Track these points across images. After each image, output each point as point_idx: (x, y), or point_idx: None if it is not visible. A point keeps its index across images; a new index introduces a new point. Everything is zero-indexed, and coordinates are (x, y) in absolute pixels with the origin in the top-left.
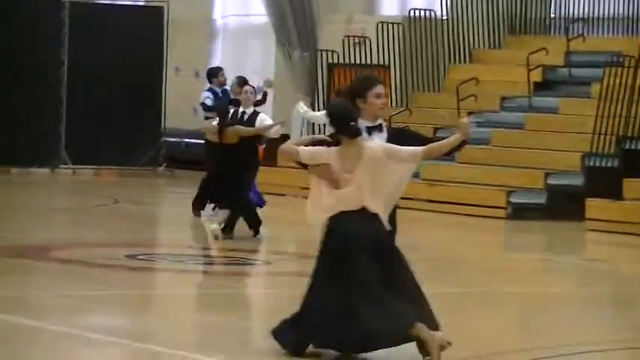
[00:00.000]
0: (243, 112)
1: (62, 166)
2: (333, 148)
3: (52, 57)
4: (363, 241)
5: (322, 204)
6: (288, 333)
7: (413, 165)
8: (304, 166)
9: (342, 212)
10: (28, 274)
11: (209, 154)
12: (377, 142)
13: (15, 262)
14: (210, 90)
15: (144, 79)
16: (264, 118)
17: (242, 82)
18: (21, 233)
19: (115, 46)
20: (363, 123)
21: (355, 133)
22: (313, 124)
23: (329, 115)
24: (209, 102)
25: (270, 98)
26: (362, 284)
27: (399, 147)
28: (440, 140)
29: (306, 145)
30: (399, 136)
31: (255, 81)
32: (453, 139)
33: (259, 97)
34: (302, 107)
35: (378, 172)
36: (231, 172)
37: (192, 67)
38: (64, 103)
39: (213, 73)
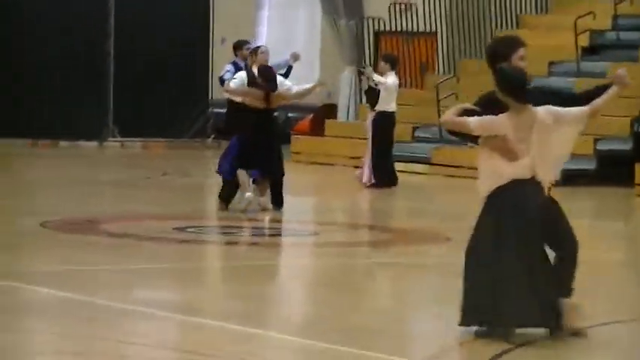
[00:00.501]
0: None
1: (110, 139)
2: (502, 117)
3: (99, 29)
4: (531, 213)
5: (497, 174)
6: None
7: (580, 127)
8: (473, 139)
9: (512, 182)
10: (79, 248)
11: (239, 121)
12: (542, 107)
13: (65, 237)
14: (233, 63)
15: (190, 50)
16: (283, 81)
17: (255, 49)
18: (70, 207)
19: (161, 17)
20: None
21: (530, 98)
22: (363, 92)
23: (505, 80)
24: (228, 75)
25: (317, 67)
26: (523, 259)
27: (564, 109)
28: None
29: (457, 116)
30: (544, 98)
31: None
32: (612, 92)
33: (283, 70)
34: (376, 77)
35: (547, 139)
36: (265, 139)
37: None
38: (111, 76)
39: (238, 46)
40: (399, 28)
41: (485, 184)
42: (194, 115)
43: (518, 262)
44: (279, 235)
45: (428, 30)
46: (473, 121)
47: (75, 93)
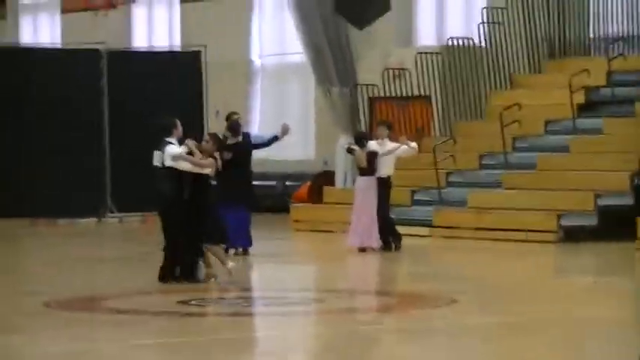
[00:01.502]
0: None
1: (109, 215)
2: None
3: (93, 107)
4: None
5: None
6: None
7: None
8: None
9: None
10: (84, 326)
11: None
12: None
13: (69, 315)
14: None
15: (185, 124)
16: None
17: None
18: (72, 285)
19: (155, 92)
20: None
21: None
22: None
23: None
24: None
25: (312, 136)
26: None
27: None
28: None
29: None
30: None
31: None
32: None
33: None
34: (380, 144)
35: None
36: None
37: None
38: (107, 153)
39: (227, 117)
40: (392, 94)
41: None
42: None
43: None
44: (285, 304)
45: (422, 94)
46: None
47: (72, 170)
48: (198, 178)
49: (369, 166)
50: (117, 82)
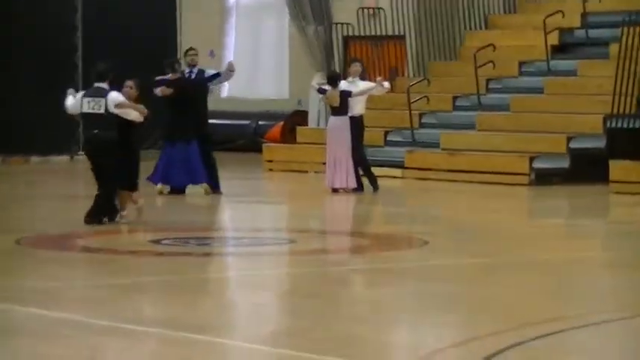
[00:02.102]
0: None
1: (81, 152)
2: None
3: (66, 44)
4: None
5: None
6: None
7: None
8: None
9: None
10: (54, 264)
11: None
12: None
13: (40, 253)
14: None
15: (158, 60)
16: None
17: None
18: (44, 222)
19: (129, 27)
20: None
21: None
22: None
23: None
24: None
25: (286, 74)
26: None
27: None
28: None
29: None
30: None
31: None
32: None
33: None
34: (351, 83)
35: None
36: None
37: (206, 45)
38: (79, 89)
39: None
40: (367, 33)
41: None
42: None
43: None
44: (257, 244)
45: (396, 33)
46: None
47: (44, 107)
48: (133, 124)
49: (341, 105)
50: (90, 18)
